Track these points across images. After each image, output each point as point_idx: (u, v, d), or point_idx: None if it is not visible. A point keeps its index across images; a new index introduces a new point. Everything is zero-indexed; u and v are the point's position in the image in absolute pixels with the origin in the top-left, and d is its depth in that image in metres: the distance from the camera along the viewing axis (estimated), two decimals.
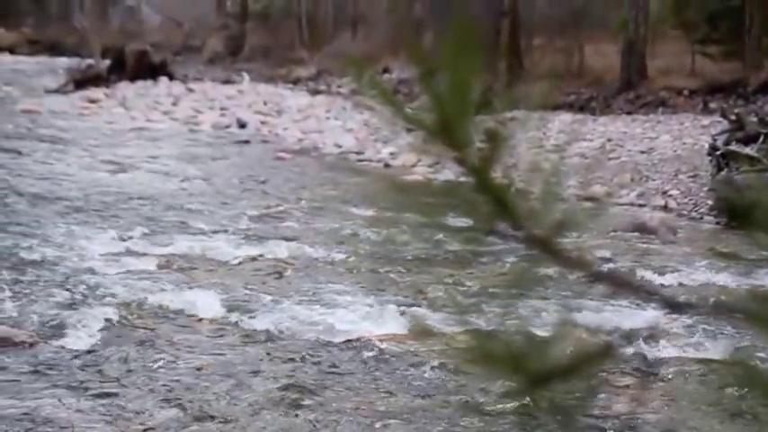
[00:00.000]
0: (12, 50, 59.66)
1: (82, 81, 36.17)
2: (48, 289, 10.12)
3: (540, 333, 1.26)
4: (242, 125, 27.45)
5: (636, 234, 13.72)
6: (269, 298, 10.14)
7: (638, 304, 8.01)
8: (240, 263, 11.69)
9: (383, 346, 8.65)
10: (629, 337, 1.36)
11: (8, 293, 9.82)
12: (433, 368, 7.96)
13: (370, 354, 8.52)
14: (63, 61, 45.00)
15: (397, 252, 11.31)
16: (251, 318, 9.45)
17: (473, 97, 1.20)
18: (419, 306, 9.73)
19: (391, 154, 21.36)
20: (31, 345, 8.43)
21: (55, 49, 58.69)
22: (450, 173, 1.28)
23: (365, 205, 14.75)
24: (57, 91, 35.26)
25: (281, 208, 15.27)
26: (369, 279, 11.00)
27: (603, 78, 29.98)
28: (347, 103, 31.67)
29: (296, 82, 41.42)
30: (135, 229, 13.17)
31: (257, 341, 8.87)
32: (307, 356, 8.46)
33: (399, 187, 1.28)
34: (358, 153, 22.43)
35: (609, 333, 1.32)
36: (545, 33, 34.89)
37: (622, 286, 1.36)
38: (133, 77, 37.10)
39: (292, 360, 8.37)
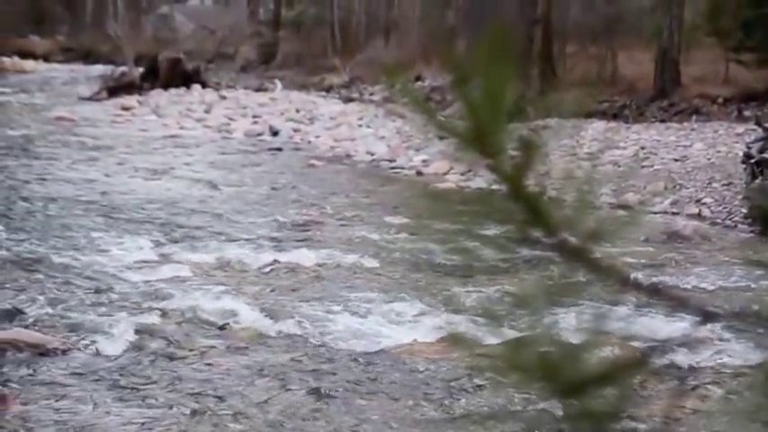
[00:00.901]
0: (46, 58, 60.09)
1: (115, 89, 36.36)
2: (77, 295, 10.16)
3: (573, 341, 1.26)
4: (274, 133, 27.50)
5: (669, 242, 13.65)
6: (299, 305, 10.14)
7: (672, 313, 7.93)
8: (271, 270, 11.69)
9: (414, 354, 8.63)
10: (663, 345, 1.35)
11: (40, 299, 9.87)
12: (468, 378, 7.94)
13: (401, 362, 8.50)
14: (97, 69, 45.30)
15: (430, 260, 11.29)
16: (279, 324, 9.45)
17: (506, 105, 1.20)
18: (451, 313, 9.71)
19: (423, 162, 21.35)
20: (64, 351, 8.46)
21: (89, 57, 59.12)
22: (482, 181, 1.27)
23: (397, 213, 14.74)
24: (90, 98, 35.46)
25: (312, 215, 15.27)
26: (401, 287, 10.99)
27: (637, 86, 29.84)
28: (379, 110, 31.66)
29: (328, 89, 41.46)
30: (167, 235, 13.21)
31: (288, 348, 8.87)
32: (336, 364, 8.46)
33: (433, 195, 1.27)
34: (390, 161, 22.42)
35: (643, 342, 1.31)
36: (578, 41, 34.76)
37: (656, 295, 1.35)
38: (166, 85, 37.25)
39: (320, 369, 8.37)
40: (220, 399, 7.56)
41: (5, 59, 51.98)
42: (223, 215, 15.00)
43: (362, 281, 11.30)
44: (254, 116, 30.66)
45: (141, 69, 38.61)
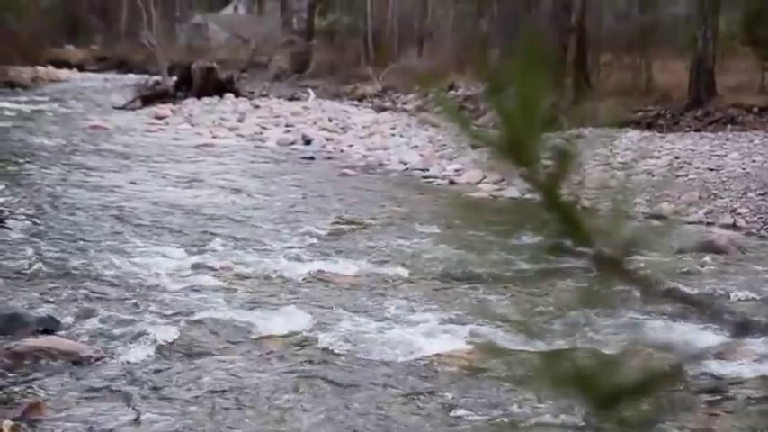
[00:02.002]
0: (81, 67, 60.53)
1: (149, 98, 36.56)
2: (111, 303, 10.19)
3: (609, 352, 1.25)
4: (307, 142, 27.56)
5: (704, 253, 13.57)
6: (332, 314, 10.14)
7: (707, 323, 7.90)
8: (303, 279, 11.70)
9: (447, 363, 8.62)
10: (699, 356, 1.34)
11: (72, 308, 9.92)
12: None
13: (437, 370, 8.50)
14: (131, 78, 45.57)
15: (464, 269, 11.27)
16: (314, 334, 9.46)
17: (541, 114, 1.19)
18: (486, 324, 9.69)
19: (456, 171, 21.33)
20: (98, 359, 8.49)
21: (123, 66, 59.51)
22: (516, 190, 1.27)
23: (430, 222, 14.73)
24: (124, 107, 35.66)
25: (345, 224, 15.28)
26: (434, 296, 10.97)
27: (671, 95, 29.71)
28: (412, 119, 31.67)
29: (361, 99, 41.50)
30: (199, 244, 13.24)
31: (323, 359, 8.87)
32: (369, 373, 8.46)
33: (466, 204, 1.27)
34: (423, 170, 22.42)
35: (678, 352, 1.30)
36: (612, 50, 34.68)
37: (691, 305, 1.34)
38: (199, 94, 37.38)
39: (348, 377, 8.37)
40: (251, 406, 7.57)
41: (40, 69, 52.36)
42: (255, 224, 15.02)
43: (395, 290, 11.29)
44: (287, 125, 30.73)
45: (175, 78, 38.79)
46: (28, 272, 11.32)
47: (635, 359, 1.24)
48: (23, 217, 14.33)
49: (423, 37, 49.38)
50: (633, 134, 24.59)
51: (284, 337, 9.40)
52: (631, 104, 28.09)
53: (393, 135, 28.68)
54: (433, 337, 9.44)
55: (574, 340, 1.24)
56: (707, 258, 13.27)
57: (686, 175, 19.48)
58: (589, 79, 31.88)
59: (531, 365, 1.24)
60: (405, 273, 12.03)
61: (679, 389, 1.27)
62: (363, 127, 30.61)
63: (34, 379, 8.02)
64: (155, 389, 7.90)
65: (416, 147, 25.70)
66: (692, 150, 22.22)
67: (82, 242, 13.05)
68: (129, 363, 8.49)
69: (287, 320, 9.83)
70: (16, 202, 14.79)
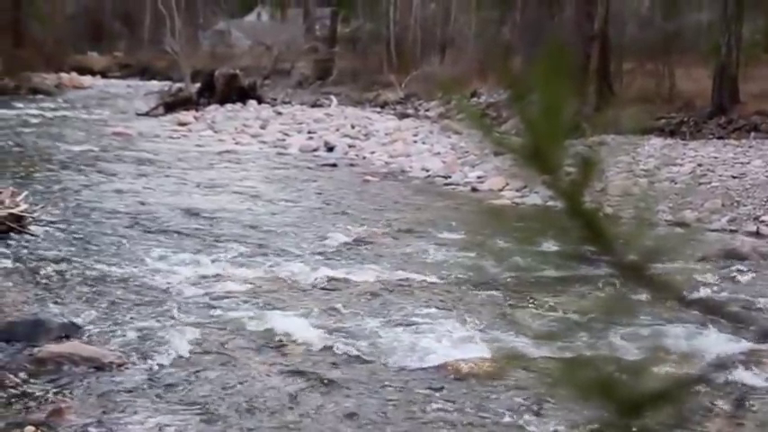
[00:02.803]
0: (104, 74, 60.76)
1: (172, 104, 36.65)
2: (131, 308, 10.23)
3: (632, 359, 1.25)
4: (329, 148, 27.59)
5: (727, 260, 13.52)
6: (354, 321, 10.15)
7: (730, 331, 7.89)
8: (325, 285, 11.70)
9: (469, 369, 8.61)
10: (723, 363, 1.34)
11: (94, 313, 9.95)
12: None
13: (456, 378, 8.50)
14: (154, 84, 45.70)
15: (486, 276, 11.25)
16: (333, 340, 9.46)
17: (564, 121, 1.19)
18: (507, 331, 9.67)
19: (479, 178, 21.31)
20: (120, 365, 8.51)
21: (146, 73, 59.72)
22: (538, 197, 1.27)
23: (453, 229, 14.71)
24: (147, 114, 35.77)
25: (367, 231, 15.28)
26: (456, 303, 10.96)
27: (694, 103, 29.60)
28: (435, 126, 31.67)
29: (384, 105, 41.51)
30: (221, 250, 13.27)
31: (346, 366, 8.88)
32: (389, 377, 8.46)
33: (489, 211, 1.27)
34: (445, 177, 22.40)
35: (702, 360, 1.30)
36: (635, 57, 34.58)
37: (714, 313, 1.34)
38: (222, 101, 37.47)
39: (372, 384, 8.37)
40: (273, 411, 7.59)
41: (64, 75, 52.61)
42: (277, 230, 15.04)
43: (417, 297, 11.28)
44: (310, 132, 30.76)
45: (198, 85, 38.88)
46: (50, 278, 11.37)
47: (659, 366, 1.23)
48: (46, 222, 14.38)
49: (445, 44, 49.36)
50: (656, 141, 24.53)
51: (303, 343, 9.40)
52: (654, 112, 28.00)
53: (415, 142, 28.66)
54: (455, 344, 9.43)
55: (597, 347, 1.23)
56: (730, 266, 13.21)
57: (709, 183, 19.40)
58: (612, 86, 31.80)
59: (553, 372, 1.24)
60: (427, 279, 12.02)
61: (703, 396, 1.26)
62: (386, 134, 30.60)
63: (56, 384, 8.05)
64: (177, 394, 7.92)
65: (439, 154, 25.68)
66: (716, 158, 22.14)
67: (104, 248, 13.10)
68: (151, 368, 8.51)
69: (306, 327, 9.83)
70: (39, 208, 14.82)
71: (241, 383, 8.24)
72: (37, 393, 7.84)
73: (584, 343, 1.23)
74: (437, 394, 8.16)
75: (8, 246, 12.76)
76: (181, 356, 8.81)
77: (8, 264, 11.88)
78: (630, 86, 32.26)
